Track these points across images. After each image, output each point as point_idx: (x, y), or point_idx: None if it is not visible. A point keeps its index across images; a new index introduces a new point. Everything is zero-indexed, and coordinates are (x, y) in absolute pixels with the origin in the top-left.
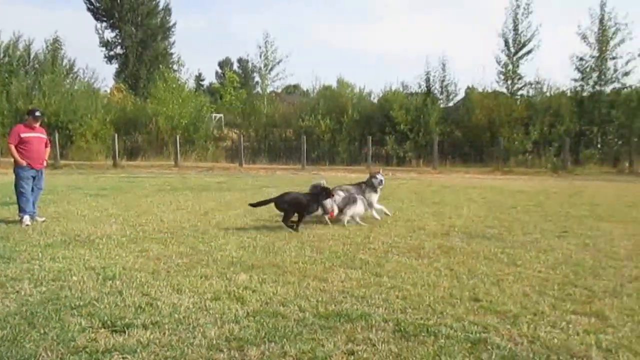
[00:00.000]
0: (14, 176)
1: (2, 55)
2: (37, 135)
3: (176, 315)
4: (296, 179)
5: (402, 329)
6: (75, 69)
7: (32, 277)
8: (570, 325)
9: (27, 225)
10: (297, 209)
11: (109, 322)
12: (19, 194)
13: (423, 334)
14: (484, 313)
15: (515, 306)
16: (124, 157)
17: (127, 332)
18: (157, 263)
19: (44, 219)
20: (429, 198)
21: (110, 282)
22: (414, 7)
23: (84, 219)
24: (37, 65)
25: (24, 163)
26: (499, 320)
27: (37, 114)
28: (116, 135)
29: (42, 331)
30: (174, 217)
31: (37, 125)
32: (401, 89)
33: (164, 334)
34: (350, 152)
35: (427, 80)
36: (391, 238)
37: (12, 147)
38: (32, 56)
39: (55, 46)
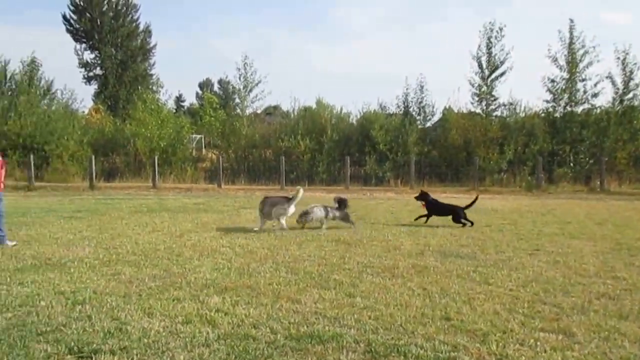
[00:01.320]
0: None
1: None
2: None
3: (145, 340)
4: None
5: (373, 349)
6: (53, 90)
7: None
8: (539, 343)
9: None
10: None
11: (75, 348)
12: None
13: (393, 354)
14: (454, 332)
15: (486, 324)
16: (101, 178)
17: (93, 358)
18: (129, 286)
19: (15, 242)
20: (406, 218)
21: (80, 306)
22: (391, 28)
23: (57, 241)
24: (13, 86)
25: None
26: (468, 339)
27: None
28: (93, 157)
29: (5, 359)
30: (149, 239)
31: None
32: (380, 110)
33: (132, 359)
34: (330, 172)
35: (405, 101)
36: (366, 258)
37: None
38: (8, 76)
39: (32, 66)
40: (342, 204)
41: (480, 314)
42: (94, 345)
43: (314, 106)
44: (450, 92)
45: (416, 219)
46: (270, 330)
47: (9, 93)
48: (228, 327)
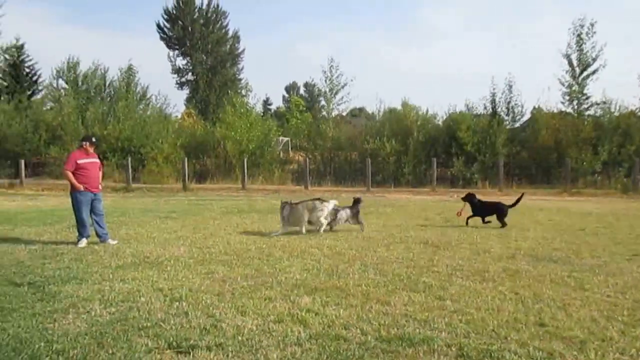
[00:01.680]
0: (70, 200)
1: (80, 83)
2: (92, 160)
3: (240, 337)
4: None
5: (465, 353)
6: (148, 95)
7: (103, 298)
8: None
9: (82, 247)
10: None
11: (174, 343)
12: (78, 219)
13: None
14: (549, 339)
15: (583, 332)
16: (193, 180)
17: (191, 354)
18: (223, 285)
19: (116, 241)
20: (495, 220)
21: (177, 303)
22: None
23: (154, 240)
24: (112, 92)
25: (81, 187)
26: (565, 346)
27: (94, 140)
28: (186, 159)
29: (110, 351)
30: (240, 240)
31: (92, 150)
32: (467, 111)
33: (227, 355)
34: (416, 173)
35: (493, 101)
36: (455, 261)
37: (69, 174)
38: (107, 83)
39: (129, 74)
40: (357, 203)
41: (577, 321)
42: (191, 341)
43: (400, 107)
44: (540, 91)
45: (468, 220)
46: (360, 332)
47: (108, 99)
48: (319, 327)
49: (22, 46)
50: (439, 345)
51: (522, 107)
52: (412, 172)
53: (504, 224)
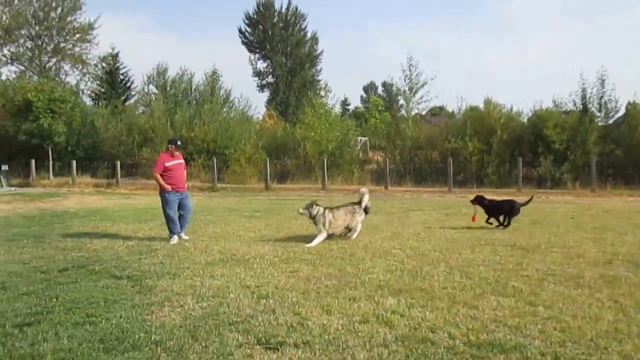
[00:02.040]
0: (160, 200)
1: (169, 88)
2: (178, 162)
3: (326, 336)
4: (443, 202)
5: None
6: (231, 98)
7: (195, 293)
8: None
9: (173, 244)
10: None
11: (263, 339)
12: (167, 218)
13: None
14: None
15: None
16: (274, 180)
17: (280, 350)
18: (307, 283)
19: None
20: (588, 223)
21: (264, 300)
22: (567, 20)
23: (240, 239)
24: (197, 96)
25: (169, 188)
26: None
27: (179, 143)
28: (268, 160)
29: (203, 344)
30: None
31: (177, 152)
32: (554, 107)
33: (315, 354)
34: (500, 173)
35: (583, 97)
36: (546, 265)
37: (158, 176)
38: (193, 87)
39: (213, 78)
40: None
41: None
42: (279, 337)
43: (482, 106)
44: (636, 85)
45: (487, 222)
46: (448, 335)
47: (194, 103)
48: (405, 329)
49: (116, 55)
50: (532, 353)
51: (617, 102)
52: (495, 172)
53: (509, 223)
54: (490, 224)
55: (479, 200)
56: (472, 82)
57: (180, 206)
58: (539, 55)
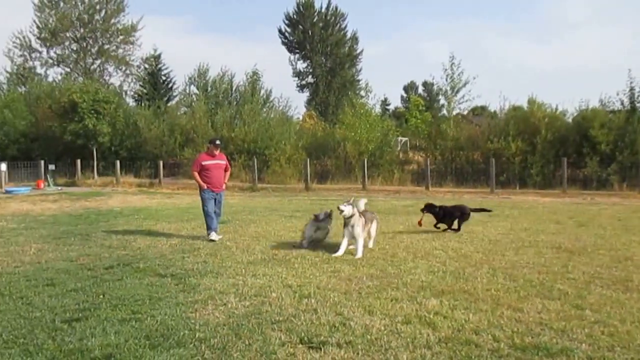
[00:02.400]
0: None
1: (210, 88)
2: (216, 162)
3: (368, 337)
4: (485, 203)
5: None
6: (271, 99)
7: (237, 292)
8: None
9: (213, 240)
10: None
11: (305, 338)
12: (205, 214)
13: None
14: None
15: None
16: (314, 180)
17: (322, 350)
18: (349, 284)
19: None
20: (636, 225)
21: (306, 300)
22: (613, 15)
23: (281, 238)
24: (238, 97)
25: (204, 186)
26: None
27: (218, 142)
28: (308, 160)
29: (246, 342)
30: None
31: (217, 152)
32: (601, 107)
33: (358, 354)
34: (544, 174)
35: (632, 95)
36: (593, 268)
37: (195, 174)
38: (234, 88)
39: (254, 78)
40: (329, 217)
41: None
42: (322, 337)
43: (525, 105)
44: None
45: (435, 226)
46: (492, 338)
47: (235, 103)
48: (448, 330)
49: (159, 56)
50: (579, 357)
51: None
52: (539, 172)
53: (459, 229)
54: (438, 228)
55: (429, 209)
56: (515, 81)
57: (215, 204)
58: (585, 53)
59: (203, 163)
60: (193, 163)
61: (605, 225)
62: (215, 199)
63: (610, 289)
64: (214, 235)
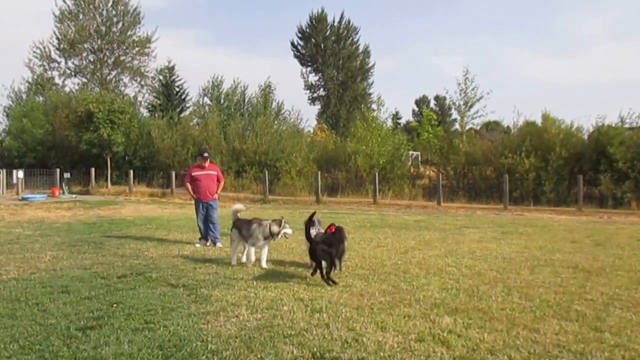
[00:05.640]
0: None
1: (222, 100)
2: (206, 172)
3: (381, 354)
4: (498, 220)
5: None
6: (283, 111)
7: (249, 304)
8: None
9: (197, 246)
10: None
11: (318, 353)
12: (197, 222)
13: None
14: None
15: None
16: (325, 193)
17: None
18: (361, 299)
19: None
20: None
21: (318, 314)
22: (627, 31)
23: (292, 251)
24: (250, 108)
25: (194, 196)
26: None
27: (205, 155)
28: (319, 173)
29: (258, 356)
30: (375, 254)
31: (207, 164)
32: (620, 123)
33: None
34: (558, 191)
35: None
36: (611, 289)
37: (187, 185)
38: (246, 100)
39: (266, 91)
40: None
41: None
42: (334, 352)
43: (539, 121)
44: None
45: None
46: (508, 359)
47: (247, 115)
48: (462, 349)
49: (173, 67)
50: None
51: None
52: (553, 189)
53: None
54: None
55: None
56: (530, 96)
57: (206, 216)
58: (602, 68)
59: (193, 174)
60: (186, 174)
61: (624, 245)
62: (207, 209)
63: (630, 311)
64: (198, 244)
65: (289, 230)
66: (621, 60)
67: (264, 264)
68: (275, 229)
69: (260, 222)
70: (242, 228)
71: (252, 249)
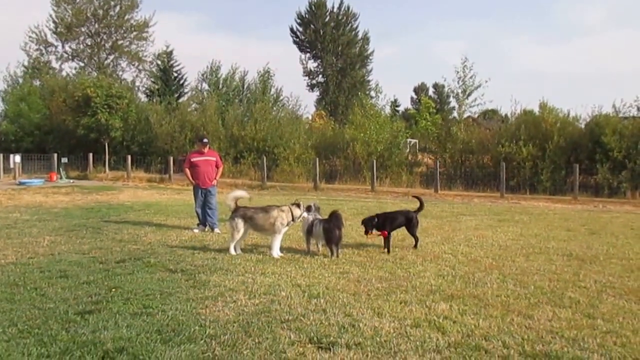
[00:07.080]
0: None
1: (221, 86)
2: (205, 158)
3: (377, 339)
4: (494, 208)
5: None
6: (282, 98)
7: (247, 290)
8: None
9: (195, 232)
10: None
11: (315, 338)
12: (195, 208)
13: None
14: None
15: None
16: (322, 180)
17: (332, 350)
18: (358, 285)
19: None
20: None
21: (315, 300)
22: (626, 20)
23: (289, 237)
24: (249, 95)
25: (193, 182)
26: None
27: (205, 140)
28: (317, 159)
29: (256, 340)
30: (373, 241)
31: (206, 150)
32: (614, 113)
33: (367, 356)
34: (555, 180)
35: None
36: (605, 277)
37: (186, 171)
38: (245, 86)
39: (265, 77)
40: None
41: None
42: (331, 337)
43: (536, 109)
44: None
45: None
46: (502, 344)
47: (246, 101)
48: (458, 335)
49: (171, 52)
50: None
51: None
52: (550, 178)
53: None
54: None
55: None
56: (528, 85)
57: (204, 202)
58: (600, 57)
59: (192, 160)
60: (185, 160)
61: (618, 234)
62: (205, 195)
63: (623, 298)
64: (196, 230)
65: (305, 214)
66: (619, 50)
67: (276, 253)
68: (297, 212)
69: (281, 208)
70: (254, 217)
71: (279, 238)
